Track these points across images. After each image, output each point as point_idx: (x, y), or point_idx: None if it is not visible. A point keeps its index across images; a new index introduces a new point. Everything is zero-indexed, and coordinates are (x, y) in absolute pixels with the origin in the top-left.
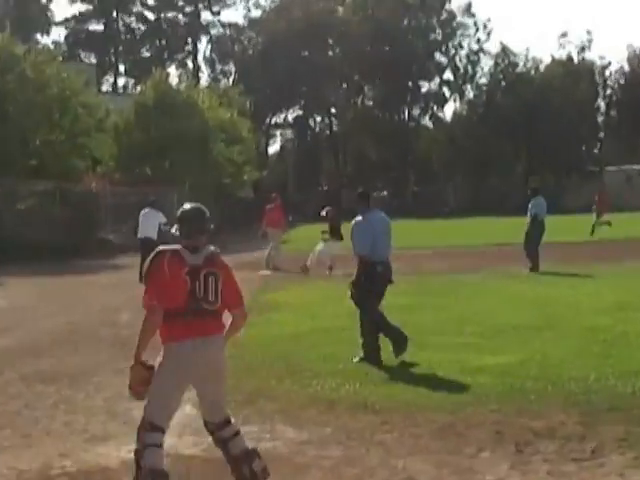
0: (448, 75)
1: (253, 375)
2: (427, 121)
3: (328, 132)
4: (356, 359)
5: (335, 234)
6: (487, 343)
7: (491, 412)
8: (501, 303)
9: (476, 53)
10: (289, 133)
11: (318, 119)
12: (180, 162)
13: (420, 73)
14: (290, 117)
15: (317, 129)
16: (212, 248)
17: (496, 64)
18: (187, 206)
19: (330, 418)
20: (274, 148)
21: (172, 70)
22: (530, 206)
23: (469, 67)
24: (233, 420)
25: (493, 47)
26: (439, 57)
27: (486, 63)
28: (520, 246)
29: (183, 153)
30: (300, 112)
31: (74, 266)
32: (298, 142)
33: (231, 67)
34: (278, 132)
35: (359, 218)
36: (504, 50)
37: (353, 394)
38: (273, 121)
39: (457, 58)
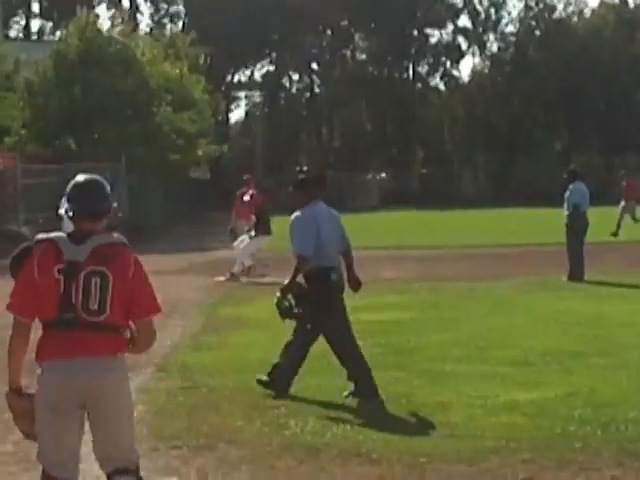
0: (464, 21)
1: (212, 412)
2: (437, 82)
3: (308, 95)
4: (346, 393)
5: (262, 226)
6: (518, 373)
7: (523, 463)
8: (534, 321)
9: None
10: (257, 96)
11: (295, 77)
12: (113, 132)
13: (428, 18)
14: (258, 74)
15: (293, 90)
16: (109, 237)
17: (527, 7)
18: (79, 178)
19: (313, 469)
20: (237, 115)
21: (102, 11)
22: (568, 194)
23: (492, 10)
24: (142, 474)
25: None
26: None
27: (514, 6)
28: (558, 246)
29: (117, 120)
30: (271, 68)
31: None
32: (268, 108)
33: (180, 8)
34: (242, 94)
35: (298, 213)
36: None
37: (342, 439)
38: (235, 79)
39: None
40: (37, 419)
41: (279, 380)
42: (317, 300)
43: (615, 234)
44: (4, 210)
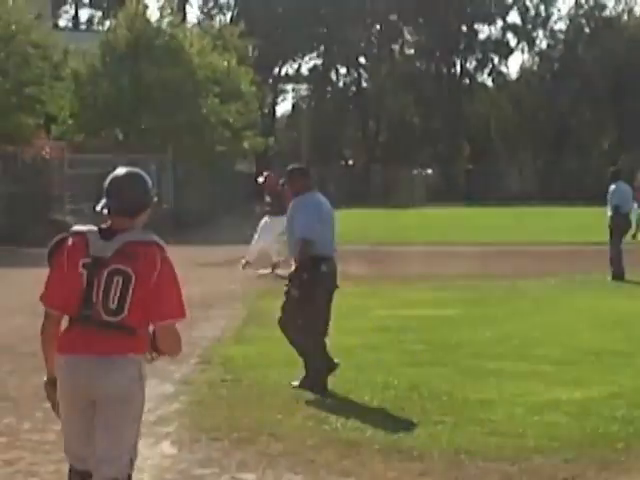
0: (514, 17)
1: (252, 406)
2: (485, 78)
3: (355, 89)
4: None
5: (276, 207)
6: (560, 372)
7: (565, 463)
8: (578, 320)
9: None
10: (304, 89)
11: (342, 71)
12: (160, 123)
13: (477, 13)
14: (305, 68)
15: (341, 84)
16: (140, 235)
17: (577, 5)
18: (118, 172)
19: (353, 464)
20: (284, 108)
21: (151, 1)
22: (609, 195)
23: (542, 7)
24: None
25: None
26: None
27: (564, 2)
28: (603, 246)
29: (164, 111)
30: (319, 61)
31: (18, 257)
32: (315, 101)
33: None
34: (289, 87)
35: (302, 197)
36: None
37: (383, 434)
38: (283, 72)
39: None
40: (61, 412)
41: (315, 382)
42: (302, 288)
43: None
44: (50, 199)
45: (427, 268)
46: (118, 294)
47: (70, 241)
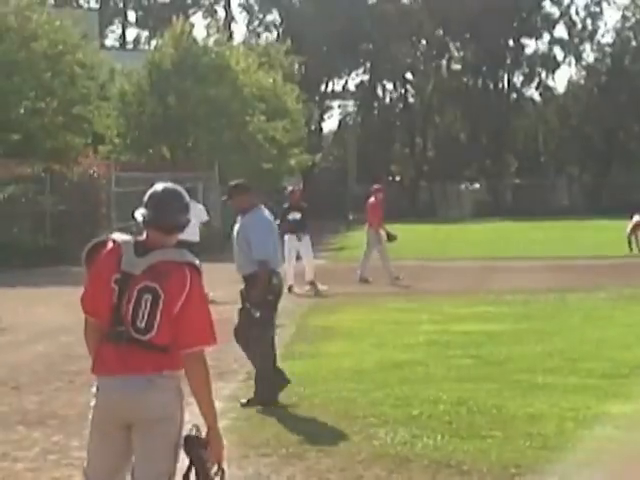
0: (560, 31)
1: (302, 421)
2: (533, 92)
3: (401, 105)
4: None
5: (306, 225)
6: (610, 385)
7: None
8: (627, 334)
9: (598, 2)
10: (350, 105)
11: (389, 87)
12: (207, 140)
13: (523, 28)
14: (352, 84)
15: (387, 100)
16: (173, 253)
17: (624, 18)
18: (157, 187)
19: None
20: (331, 125)
21: (197, 19)
22: None
23: (588, 21)
24: None
25: None
26: (549, 7)
27: (611, 16)
28: None
29: (211, 129)
30: (365, 77)
31: (67, 275)
32: (362, 117)
33: (275, 17)
34: (336, 103)
35: (257, 216)
36: None
37: (433, 449)
38: (329, 89)
39: (573, 9)
40: (89, 440)
41: (268, 396)
42: (257, 302)
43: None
44: (97, 217)
45: (475, 283)
46: (147, 312)
47: (106, 250)
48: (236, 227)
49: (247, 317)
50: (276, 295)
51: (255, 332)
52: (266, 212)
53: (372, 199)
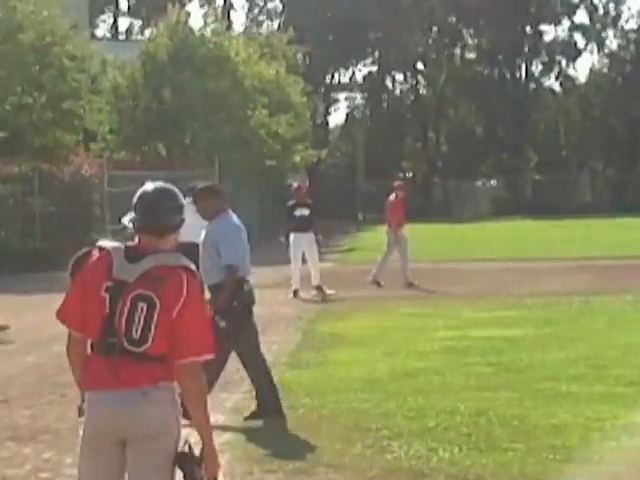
0: (581, 17)
1: (309, 434)
2: (552, 82)
3: (413, 96)
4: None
5: (315, 223)
6: (638, 394)
7: None
8: None
9: None
10: (358, 97)
11: (399, 78)
12: (205, 136)
13: (542, 13)
14: (359, 75)
15: (397, 92)
16: (168, 258)
17: None
18: (146, 187)
19: None
20: (337, 118)
21: (194, 8)
22: None
23: (611, 5)
24: None
25: None
26: None
27: (635, 0)
28: None
29: (209, 124)
30: (373, 68)
31: (58, 281)
32: (371, 110)
33: (277, 4)
34: (343, 96)
35: (227, 220)
36: None
37: (450, 463)
38: (335, 80)
39: None
40: (80, 459)
41: (271, 406)
42: (230, 312)
43: None
44: (90, 219)
45: (493, 286)
46: (142, 322)
47: (94, 258)
48: (202, 233)
49: (216, 330)
50: (246, 303)
51: (236, 348)
52: (234, 217)
53: (392, 197)
